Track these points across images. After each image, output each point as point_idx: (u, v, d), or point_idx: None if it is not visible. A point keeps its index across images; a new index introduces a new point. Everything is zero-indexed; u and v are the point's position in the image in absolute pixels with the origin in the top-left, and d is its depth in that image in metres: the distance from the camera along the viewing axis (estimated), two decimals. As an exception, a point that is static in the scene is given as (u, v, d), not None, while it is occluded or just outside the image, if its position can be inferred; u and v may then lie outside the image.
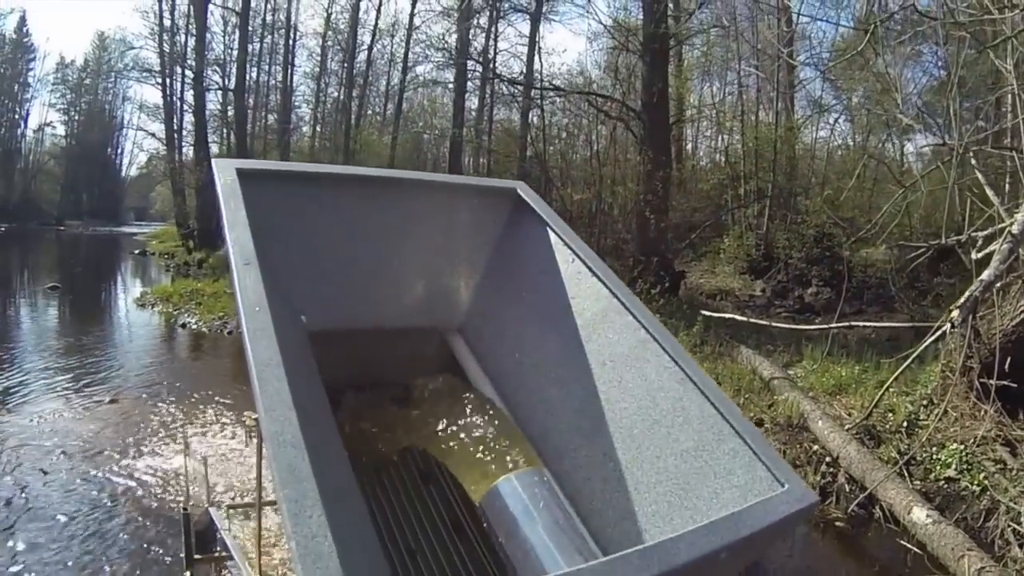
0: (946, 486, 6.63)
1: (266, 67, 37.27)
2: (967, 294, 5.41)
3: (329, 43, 35.71)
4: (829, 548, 6.37)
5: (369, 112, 35.33)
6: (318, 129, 37.60)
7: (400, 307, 3.10)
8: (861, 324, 11.09)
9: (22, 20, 58.77)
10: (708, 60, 24.61)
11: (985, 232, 6.09)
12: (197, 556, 4.45)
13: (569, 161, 24.73)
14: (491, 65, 26.02)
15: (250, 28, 33.26)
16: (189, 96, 34.34)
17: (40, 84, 61.82)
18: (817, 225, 17.66)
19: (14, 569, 5.20)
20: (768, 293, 17.62)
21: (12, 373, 10.77)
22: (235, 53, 33.51)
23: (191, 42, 33.31)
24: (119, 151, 68.20)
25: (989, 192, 6.77)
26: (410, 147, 32.86)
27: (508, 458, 2.60)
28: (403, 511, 2.65)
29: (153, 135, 44.39)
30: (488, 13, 26.52)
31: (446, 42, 24.64)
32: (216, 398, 9.52)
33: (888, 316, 12.80)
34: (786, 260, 18.02)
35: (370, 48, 33.26)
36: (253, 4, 33.11)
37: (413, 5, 29.59)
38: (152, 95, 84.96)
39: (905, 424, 7.47)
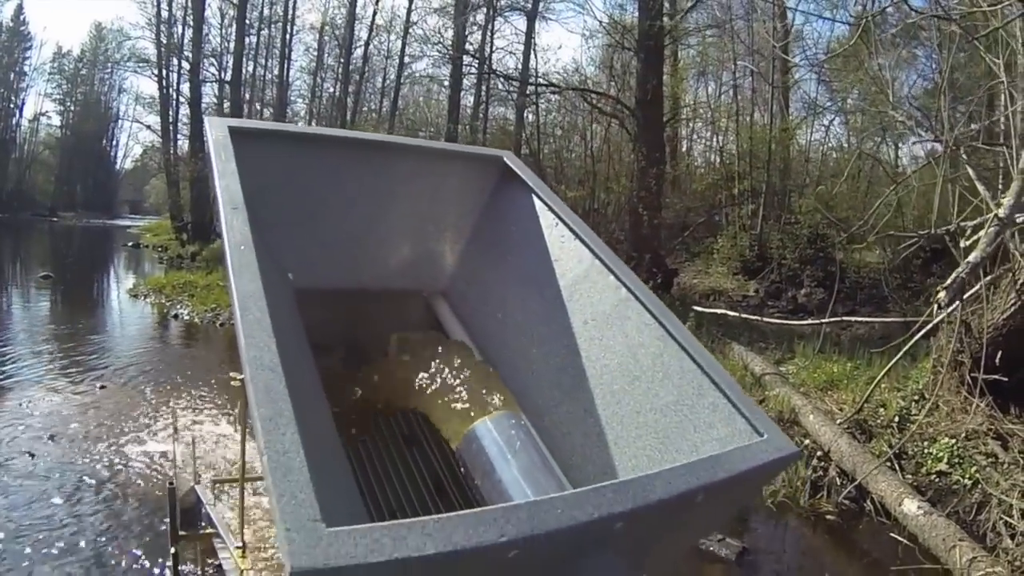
0: (938, 480, 6.63)
1: (263, 61, 37.31)
2: (954, 275, 5.43)
3: (326, 38, 35.80)
4: (820, 541, 6.36)
5: (365, 108, 35.42)
6: (314, 124, 37.55)
7: (386, 269, 3.09)
8: (852, 319, 11.12)
9: (19, 8, 58.59)
10: (704, 60, 24.65)
11: (974, 222, 6.10)
12: (183, 532, 4.42)
13: (564, 159, 24.75)
14: (487, 62, 25.99)
15: (247, 21, 33.17)
16: (185, 88, 34.28)
17: (36, 73, 61.44)
18: (811, 225, 17.69)
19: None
20: (761, 293, 17.62)
21: (4, 360, 10.72)
22: (232, 46, 33.49)
23: (188, 34, 33.35)
24: (114, 143, 68.20)
25: (979, 187, 6.77)
26: (405, 144, 32.78)
27: (486, 402, 2.57)
28: (386, 474, 2.64)
29: (149, 127, 44.17)
30: (485, 10, 26.51)
31: (442, 36, 24.56)
32: (206, 387, 9.49)
33: (881, 316, 12.80)
34: (780, 261, 18.03)
35: (367, 44, 33.35)
36: (251, -4, 32.91)
37: (410, 1, 29.64)
38: (148, 87, 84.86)
39: (896, 419, 7.46)
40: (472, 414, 2.50)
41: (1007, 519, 5.84)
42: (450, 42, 25.37)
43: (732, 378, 2.17)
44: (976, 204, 7.02)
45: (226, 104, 32.97)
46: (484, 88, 27.47)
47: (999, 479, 6.26)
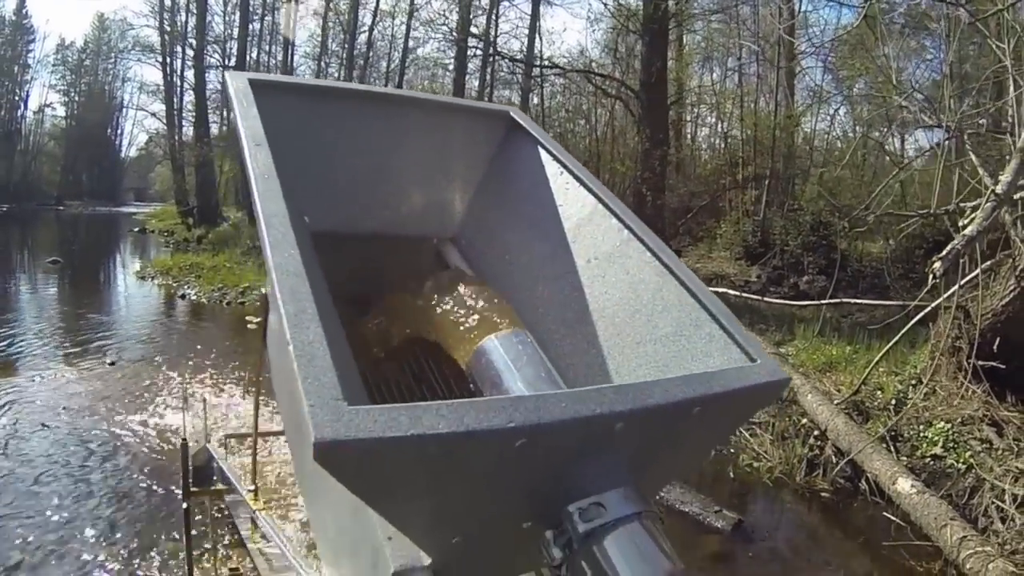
0: (932, 463, 6.72)
1: (266, 47, 37.30)
2: (949, 247, 5.48)
3: (330, 24, 35.69)
4: (814, 517, 6.47)
5: (369, 93, 35.34)
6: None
7: (398, 216, 3.18)
8: (852, 301, 11.19)
9: (21, 2, 58.41)
10: (709, 45, 24.62)
11: (973, 203, 6.18)
12: (194, 489, 4.56)
13: (569, 142, 24.78)
14: (492, 45, 26.01)
15: (251, 7, 33.13)
16: (189, 75, 34.30)
17: (40, 65, 61.80)
18: (814, 213, 17.70)
19: (16, 515, 5.30)
20: (763, 279, 17.64)
21: (14, 338, 10.89)
22: (235, 32, 33.46)
23: (192, 21, 33.19)
24: (119, 132, 67.96)
25: (981, 171, 6.84)
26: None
27: (496, 324, 2.69)
28: (399, 390, 2.75)
29: (153, 115, 44.50)
30: (490, -8, 26.51)
31: (447, 19, 24.57)
32: (214, 362, 9.63)
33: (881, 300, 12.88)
34: (782, 247, 18.06)
35: (371, 29, 33.19)
36: (255, -18, 32.85)
37: (416, -15, 29.52)
38: (152, 75, 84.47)
39: (893, 402, 7.54)
40: (481, 332, 2.62)
41: (999, 503, 5.93)
42: (455, 24, 25.35)
43: (728, 310, 2.27)
44: (974, 186, 7.08)
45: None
46: (489, 71, 27.48)
47: (993, 464, 6.34)
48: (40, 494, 5.61)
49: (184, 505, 4.58)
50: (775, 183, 20.28)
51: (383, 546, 1.58)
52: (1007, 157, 6.48)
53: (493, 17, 27.23)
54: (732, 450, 7.37)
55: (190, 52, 33.37)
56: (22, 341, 10.70)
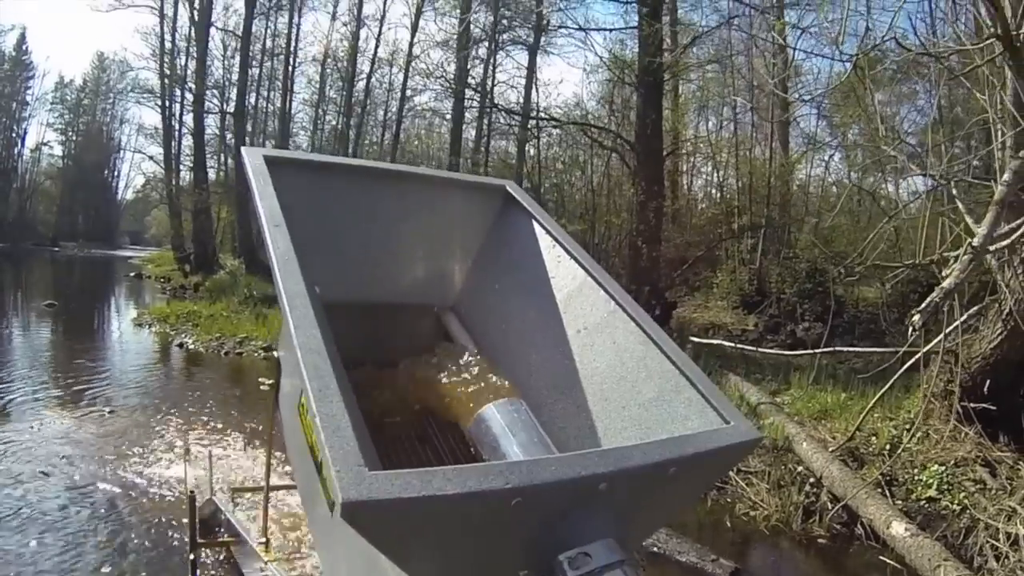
0: (927, 505, 6.79)
1: (265, 92, 37.72)
2: (927, 300, 5.62)
3: (328, 71, 36.22)
4: (811, 563, 6.49)
5: (367, 141, 35.76)
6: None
7: (401, 285, 3.42)
8: (844, 350, 11.31)
9: (22, 38, 59.29)
10: (704, 95, 24.93)
11: (956, 252, 6.32)
12: (201, 540, 4.61)
13: (565, 192, 25.02)
14: (489, 96, 26.32)
15: (250, 53, 33.47)
16: (188, 119, 34.53)
17: (38, 103, 62.16)
18: (809, 260, 17.85)
19: (17, 560, 5.31)
20: (760, 328, 17.74)
21: (12, 383, 10.92)
22: (234, 77, 33.78)
23: (192, 65, 33.44)
24: (116, 173, 68.76)
25: (968, 219, 6.99)
26: (407, 177, 33.04)
27: (492, 390, 2.88)
28: (406, 454, 2.93)
29: (151, 158, 44.90)
30: (487, 44, 26.89)
31: (444, 71, 24.91)
32: (214, 412, 9.66)
33: (874, 347, 12.94)
34: (778, 295, 18.20)
35: (369, 76, 33.78)
36: (254, 29, 33.37)
37: (412, 35, 30.04)
38: (151, 117, 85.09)
39: (888, 447, 7.63)
40: (480, 401, 2.83)
41: (993, 542, 5.99)
42: (452, 76, 25.69)
43: (705, 375, 2.51)
44: (960, 233, 7.22)
45: (228, 136, 33.24)
46: (486, 122, 27.80)
47: (987, 504, 6.41)
48: (41, 543, 5.63)
49: (191, 557, 4.62)
50: (771, 231, 20.47)
51: None
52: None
53: (490, 68, 27.66)
54: (729, 499, 7.42)
55: (189, 96, 33.59)
56: (19, 386, 10.75)
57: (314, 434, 1.64)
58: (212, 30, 32.83)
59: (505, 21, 26.17)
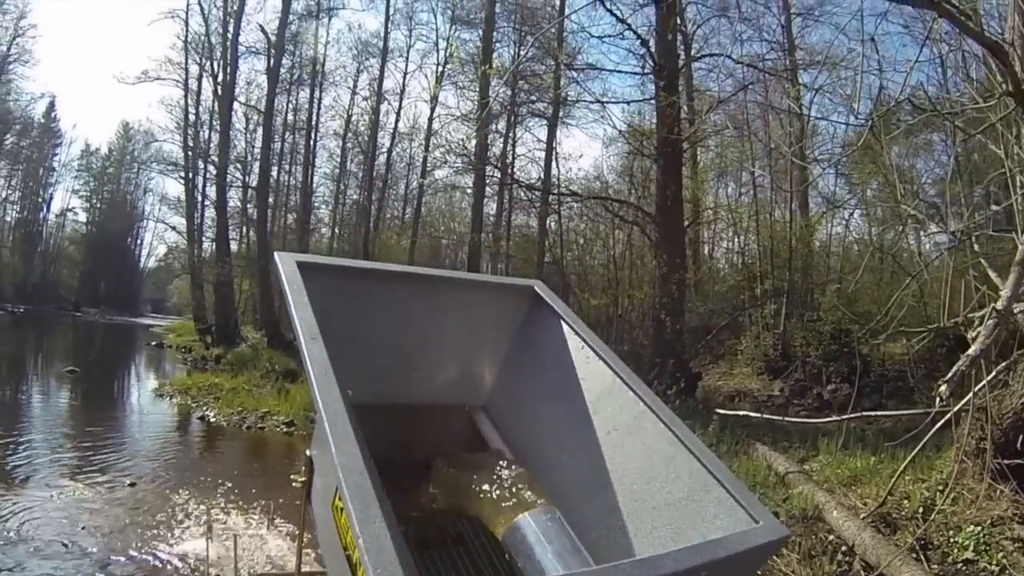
0: (964, 568, 6.56)
1: (286, 166, 38.15)
2: (954, 369, 5.53)
3: (349, 145, 36.61)
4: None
5: (388, 215, 36.07)
6: (337, 231, 38.18)
7: (432, 387, 3.57)
8: (871, 413, 11.15)
9: (51, 106, 60.12)
10: (722, 162, 25.06)
11: (981, 312, 6.26)
12: None
13: (587, 266, 25.11)
14: (509, 170, 26.56)
15: (272, 127, 33.82)
16: (211, 191, 34.58)
17: (65, 169, 63.25)
18: (833, 322, 17.73)
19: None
20: (786, 392, 17.59)
21: (32, 451, 10.95)
22: (256, 151, 34.14)
23: (215, 138, 33.62)
24: (139, 241, 69.78)
25: (992, 275, 6.93)
26: (428, 251, 33.46)
27: (527, 500, 2.93)
28: (443, 563, 2.98)
29: (174, 228, 45.17)
30: (506, 118, 27.18)
31: (466, 148, 25.18)
32: (235, 487, 9.57)
33: (905, 408, 12.75)
34: (803, 358, 18.06)
35: (389, 151, 34.14)
36: (276, 104, 33.74)
37: (432, 109, 30.51)
38: (173, 188, 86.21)
39: (921, 510, 7.41)
40: (515, 510, 2.88)
41: (1033, 603, 5.80)
42: (473, 152, 25.95)
43: (732, 475, 2.60)
44: (986, 292, 7.13)
45: (250, 208, 33.49)
46: (507, 196, 27.98)
47: (1026, 564, 6.23)
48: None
49: None
50: (793, 295, 20.39)
51: None
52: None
53: (510, 142, 27.92)
54: (759, 572, 7.21)
55: (212, 169, 33.82)
56: (40, 454, 10.75)
57: (351, 539, 1.79)
58: (235, 104, 33.24)
59: (523, 94, 26.45)
